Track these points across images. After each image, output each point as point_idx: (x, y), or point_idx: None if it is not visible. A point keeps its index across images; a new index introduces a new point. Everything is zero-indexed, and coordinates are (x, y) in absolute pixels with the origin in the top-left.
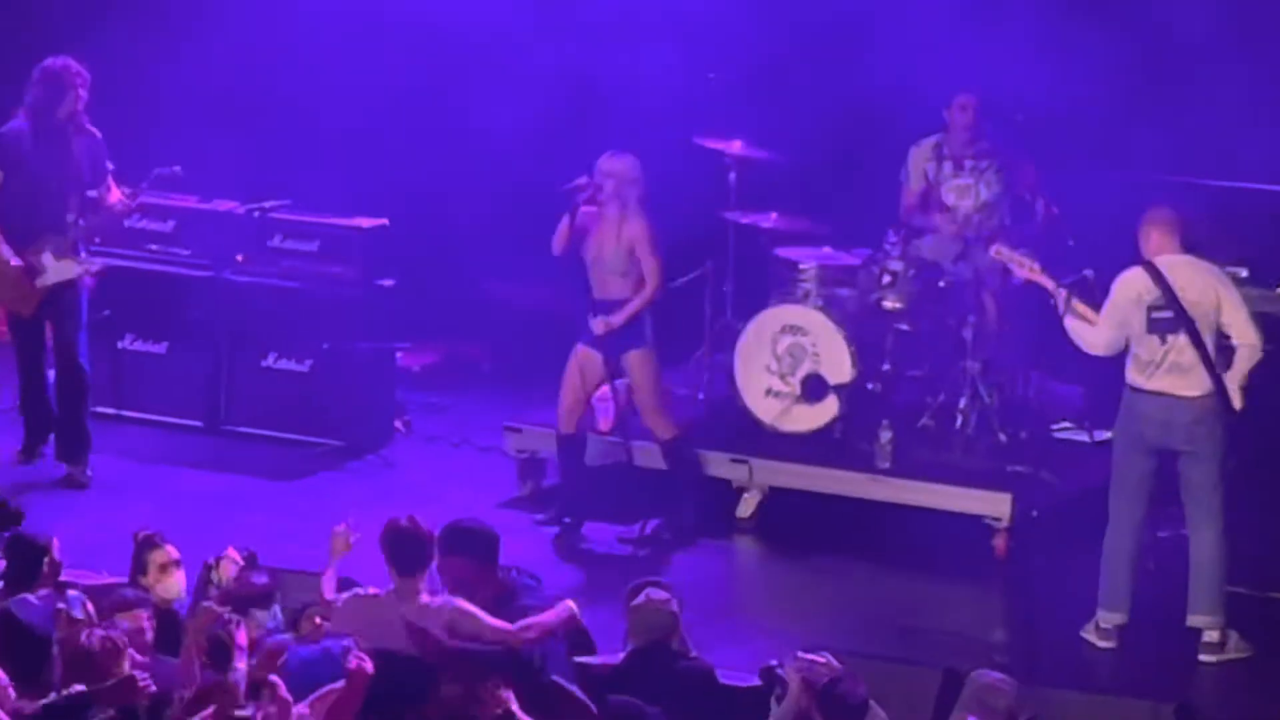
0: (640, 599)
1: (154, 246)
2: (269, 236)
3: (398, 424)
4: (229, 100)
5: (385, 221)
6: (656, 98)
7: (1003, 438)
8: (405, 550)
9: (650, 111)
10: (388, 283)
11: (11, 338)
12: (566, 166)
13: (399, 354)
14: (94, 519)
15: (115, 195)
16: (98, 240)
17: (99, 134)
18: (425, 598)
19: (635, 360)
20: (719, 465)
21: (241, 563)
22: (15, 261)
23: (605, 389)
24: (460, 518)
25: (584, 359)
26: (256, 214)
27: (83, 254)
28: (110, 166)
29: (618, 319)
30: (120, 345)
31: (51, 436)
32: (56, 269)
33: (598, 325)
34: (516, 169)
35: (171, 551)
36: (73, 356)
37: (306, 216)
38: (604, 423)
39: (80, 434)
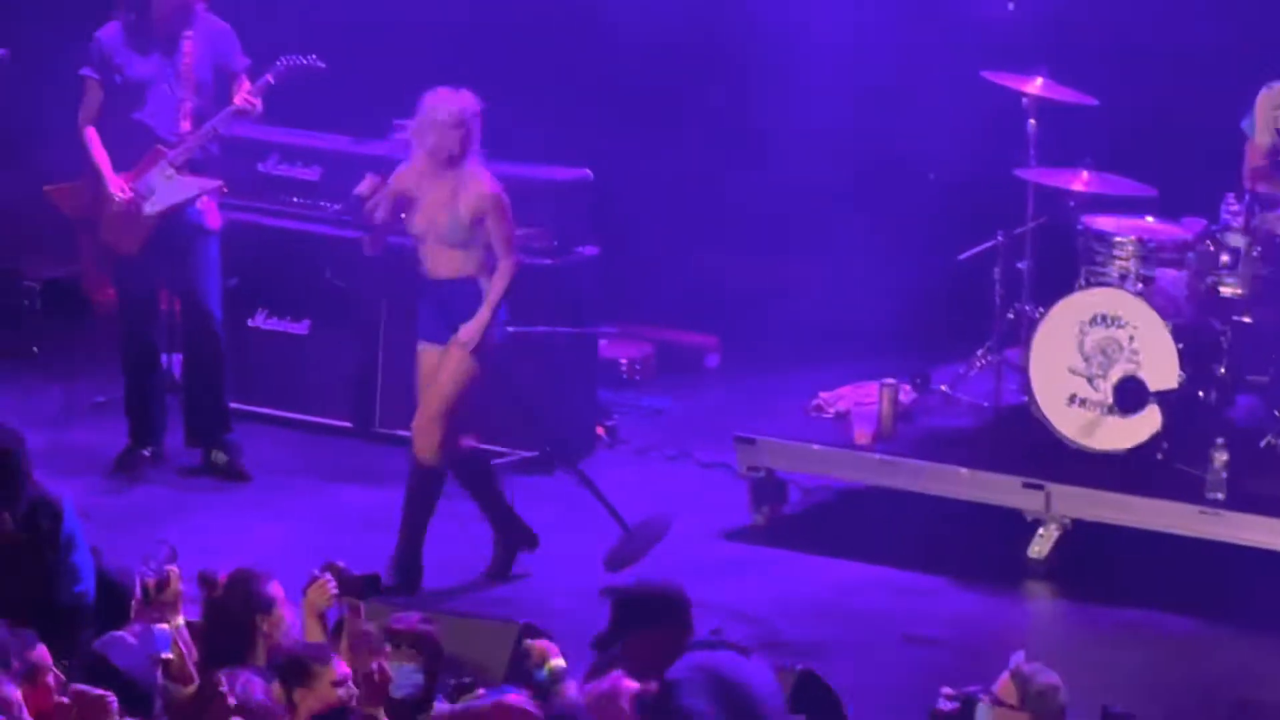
0: (1039, 684)
1: (295, 199)
2: None
3: (600, 430)
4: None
5: (588, 173)
6: (937, 23)
7: None
8: None
9: (930, 41)
10: (590, 251)
11: (116, 299)
12: (819, 106)
13: (603, 342)
14: (218, 539)
15: (243, 94)
16: (215, 151)
17: (223, 24)
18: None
19: (458, 353)
20: (1007, 491)
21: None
22: (115, 183)
23: (870, 387)
24: (642, 580)
25: (430, 362)
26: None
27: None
28: (243, 63)
29: (480, 321)
30: (251, 323)
31: (161, 432)
32: (166, 189)
33: (462, 333)
34: (754, 111)
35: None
36: (203, 311)
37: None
38: (861, 434)
39: (221, 411)
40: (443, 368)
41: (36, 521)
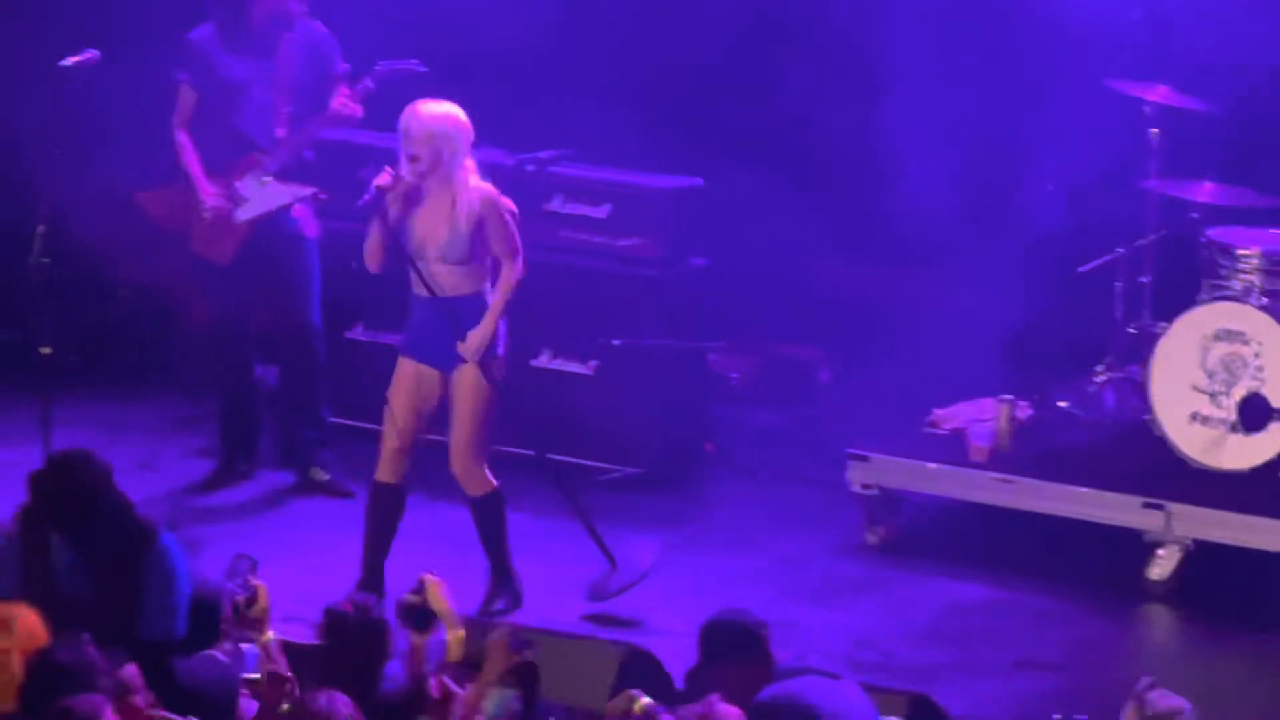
0: (1164, 710)
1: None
2: (545, 198)
3: (708, 447)
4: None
5: (699, 181)
6: (1057, 29)
7: None
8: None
9: (1051, 47)
10: (699, 262)
11: (208, 310)
12: (935, 115)
13: (711, 356)
14: (319, 559)
15: (341, 99)
16: (311, 157)
17: (322, 28)
18: None
19: (471, 377)
20: (1127, 511)
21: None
22: (207, 189)
23: (987, 403)
24: (726, 609)
25: (417, 379)
26: (530, 167)
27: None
28: (343, 68)
29: (485, 331)
30: (349, 335)
31: (255, 449)
32: (260, 196)
33: (470, 342)
34: (868, 119)
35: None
36: (302, 322)
37: (595, 172)
38: (977, 451)
39: (321, 426)
40: (460, 398)
41: (125, 553)
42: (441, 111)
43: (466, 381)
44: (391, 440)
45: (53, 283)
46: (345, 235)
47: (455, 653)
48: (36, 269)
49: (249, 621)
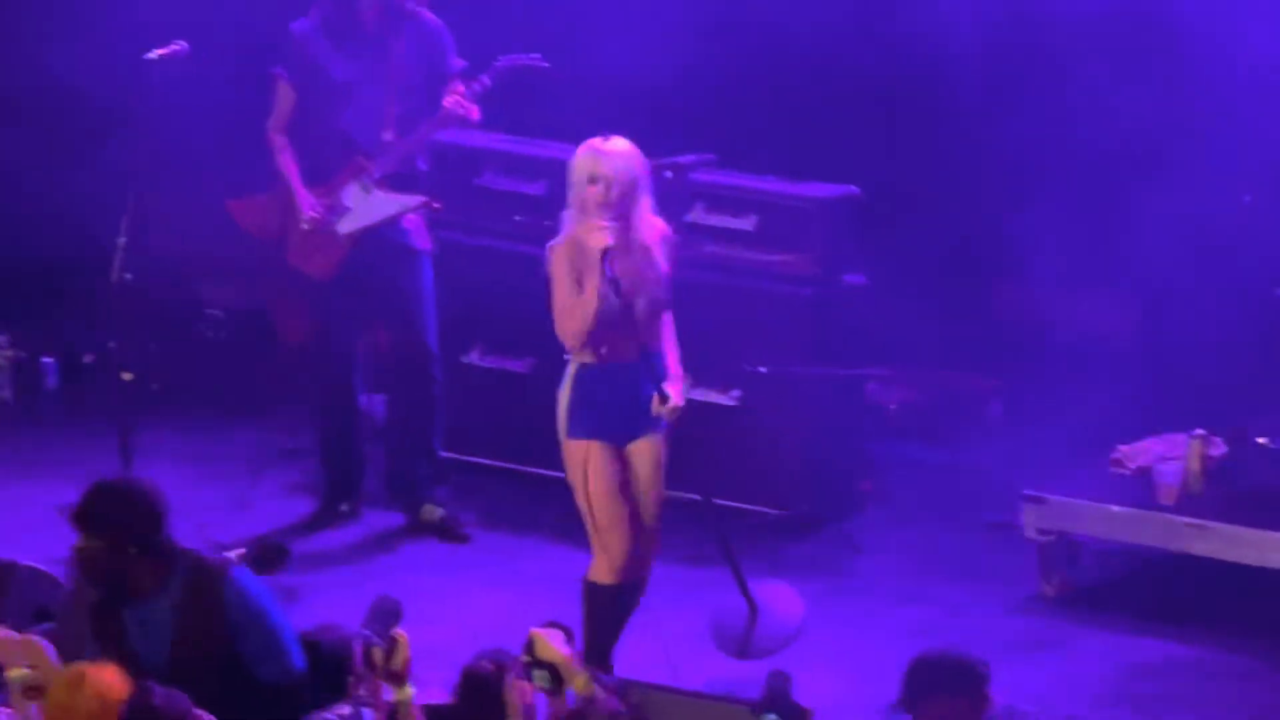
0: None
1: (518, 217)
2: (685, 207)
3: (865, 486)
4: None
5: (855, 190)
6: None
7: None
8: None
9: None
10: (857, 280)
11: (309, 331)
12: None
13: (870, 386)
14: (432, 607)
15: (456, 99)
16: (423, 165)
17: (437, 21)
18: None
19: (660, 440)
20: None
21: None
22: (306, 199)
23: (1177, 440)
24: (944, 645)
25: (615, 461)
26: (668, 173)
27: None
28: (458, 65)
29: (683, 388)
30: (465, 360)
31: (360, 485)
32: (364, 207)
33: (665, 408)
34: (1048, 129)
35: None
36: (417, 345)
37: (740, 179)
38: (1166, 493)
39: (435, 460)
40: (652, 464)
41: (196, 603)
42: (626, 147)
43: (658, 447)
44: (621, 540)
45: (135, 300)
46: (460, 248)
47: (585, 692)
48: (117, 285)
49: (388, 674)
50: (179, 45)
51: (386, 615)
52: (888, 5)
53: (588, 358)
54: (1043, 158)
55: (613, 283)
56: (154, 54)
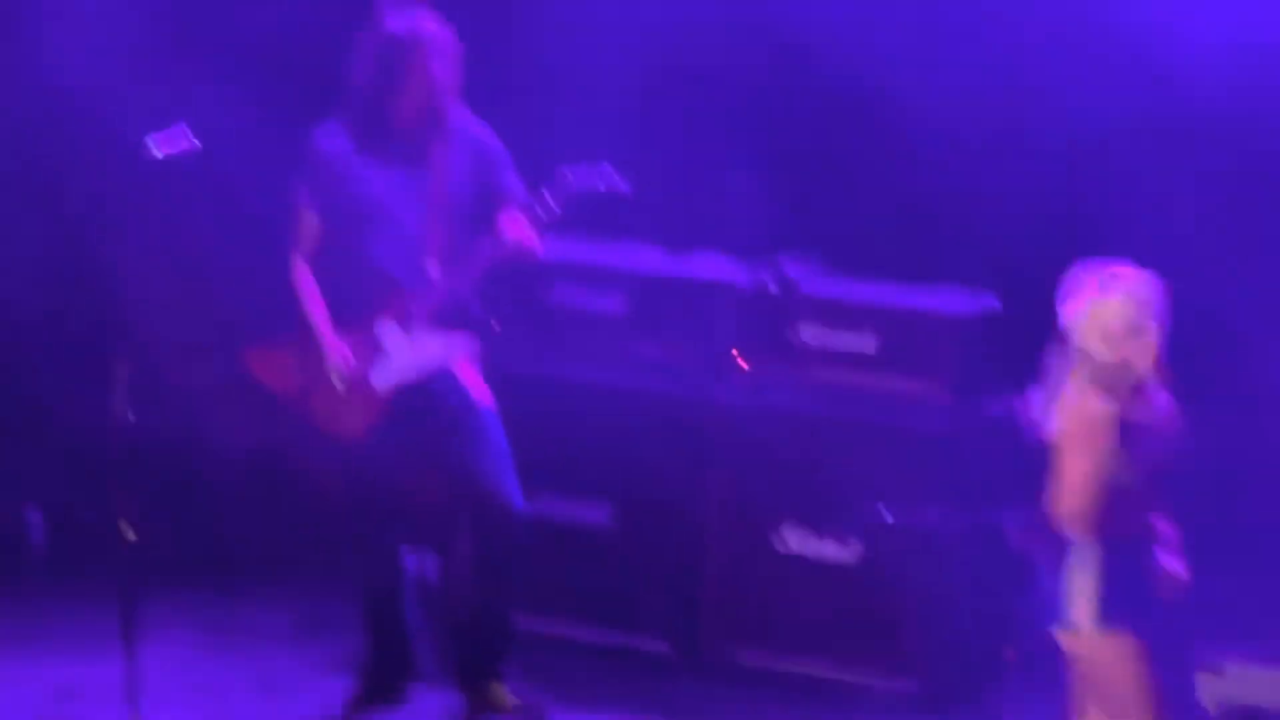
0: None
1: (592, 339)
2: (791, 325)
3: (1009, 654)
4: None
5: (994, 302)
6: None
7: None
8: None
9: None
10: (997, 410)
11: (344, 483)
12: None
13: (1012, 533)
14: None
15: (514, 226)
16: (479, 309)
17: (487, 128)
18: None
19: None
20: None
21: None
22: (335, 346)
23: None
24: None
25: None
26: (773, 287)
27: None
28: (515, 183)
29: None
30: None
31: (412, 664)
32: (406, 354)
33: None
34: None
35: None
36: (489, 497)
37: (856, 289)
38: None
39: (507, 633)
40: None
41: None
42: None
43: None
44: None
45: (137, 442)
46: (524, 378)
47: None
48: (118, 428)
49: None
50: (183, 134)
51: None
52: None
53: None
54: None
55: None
56: (157, 150)
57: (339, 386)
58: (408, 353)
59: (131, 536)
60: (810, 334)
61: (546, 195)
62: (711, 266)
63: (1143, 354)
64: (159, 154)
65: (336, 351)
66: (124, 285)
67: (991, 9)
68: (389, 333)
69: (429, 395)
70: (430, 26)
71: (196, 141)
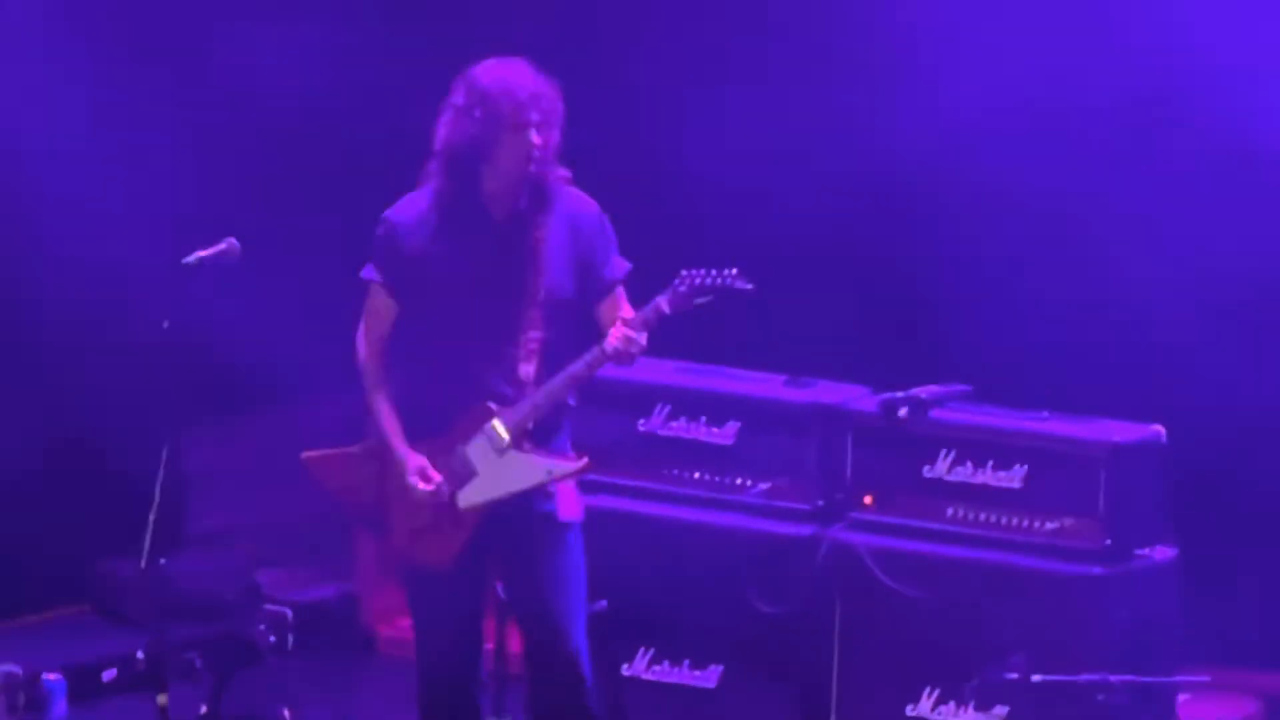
0: None
1: (698, 474)
2: (925, 458)
3: None
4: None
5: (1159, 431)
6: None
7: None
8: None
9: None
10: (1165, 554)
11: (412, 628)
12: None
13: (1184, 697)
14: None
15: (619, 333)
16: (570, 402)
17: (593, 206)
18: None
19: None
20: None
21: None
22: (413, 460)
23: None
24: None
25: None
26: (903, 412)
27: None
28: (622, 268)
29: None
30: (628, 671)
31: None
32: (497, 470)
33: None
34: None
35: None
36: (559, 643)
37: (1004, 421)
38: None
39: None
40: None
41: None
42: None
43: None
44: None
45: (170, 593)
46: (620, 518)
47: None
48: (148, 573)
49: None
50: (228, 243)
51: None
52: None
53: None
54: None
55: None
56: (196, 256)
57: (417, 502)
58: (498, 469)
59: (164, 703)
60: (946, 468)
61: (660, 297)
62: (832, 392)
63: None
64: (193, 259)
65: (415, 466)
66: (157, 405)
67: None
68: (477, 443)
69: (514, 507)
70: (532, 81)
71: (236, 243)
